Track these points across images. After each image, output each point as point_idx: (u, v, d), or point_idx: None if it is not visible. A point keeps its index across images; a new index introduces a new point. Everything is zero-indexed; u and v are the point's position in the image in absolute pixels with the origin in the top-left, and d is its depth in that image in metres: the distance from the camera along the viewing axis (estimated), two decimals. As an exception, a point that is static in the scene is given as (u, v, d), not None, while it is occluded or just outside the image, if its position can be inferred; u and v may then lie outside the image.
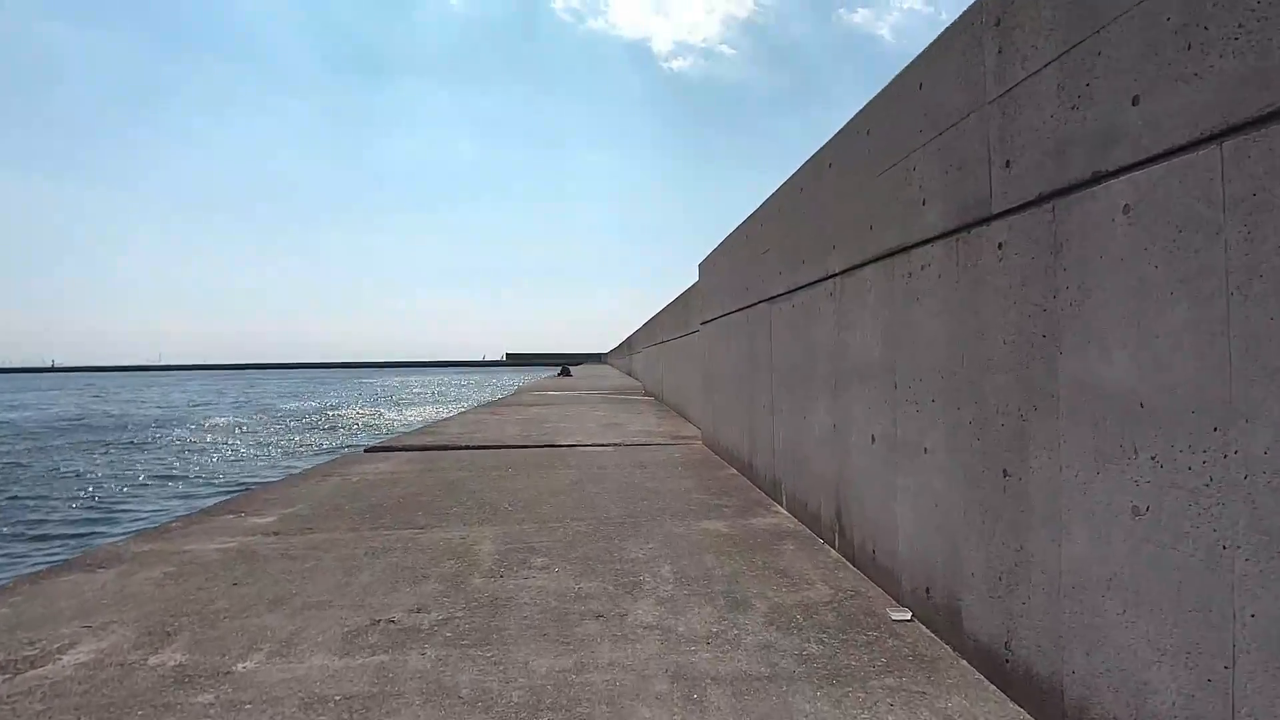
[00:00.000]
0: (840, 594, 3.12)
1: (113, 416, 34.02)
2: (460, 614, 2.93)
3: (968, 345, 2.38)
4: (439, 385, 72.70)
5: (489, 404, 17.79)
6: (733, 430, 6.56)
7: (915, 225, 2.74)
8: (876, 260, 3.12)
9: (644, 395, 19.51)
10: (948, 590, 2.53)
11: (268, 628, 2.81)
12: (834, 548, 3.75)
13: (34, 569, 4.37)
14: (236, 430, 26.64)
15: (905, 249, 2.84)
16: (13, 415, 35.03)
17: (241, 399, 51.48)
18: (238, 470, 16.31)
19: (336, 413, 34.76)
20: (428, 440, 9.00)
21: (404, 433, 10.35)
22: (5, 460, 18.09)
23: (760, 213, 5.34)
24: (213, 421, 30.62)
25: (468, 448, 8.38)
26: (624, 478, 6.13)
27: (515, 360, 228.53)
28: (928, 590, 2.69)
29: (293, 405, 42.48)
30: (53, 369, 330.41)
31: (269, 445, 21.46)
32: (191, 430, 26.68)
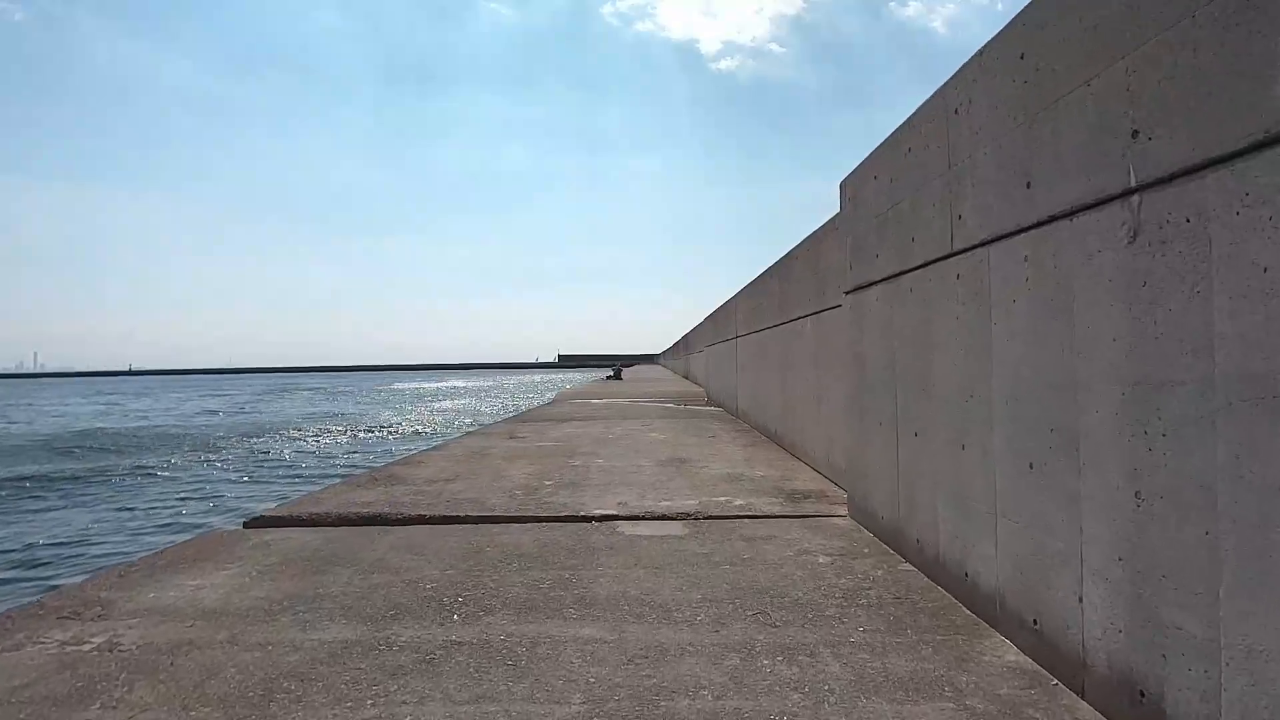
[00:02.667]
0: None
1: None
2: None
3: None
4: (482, 389, 69.97)
5: (513, 418, 14.06)
6: (1012, 529, 2.63)
7: None
8: None
9: (708, 404, 15.58)
10: None
11: None
12: None
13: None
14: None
15: None
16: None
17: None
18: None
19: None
20: (369, 499, 5.28)
21: (341, 483, 6.49)
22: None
23: None
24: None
25: (421, 520, 4.65)
26: (738, 700, 2.27)
27: (568, 361, 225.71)
28: None
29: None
30: (130, 372, 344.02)
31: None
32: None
